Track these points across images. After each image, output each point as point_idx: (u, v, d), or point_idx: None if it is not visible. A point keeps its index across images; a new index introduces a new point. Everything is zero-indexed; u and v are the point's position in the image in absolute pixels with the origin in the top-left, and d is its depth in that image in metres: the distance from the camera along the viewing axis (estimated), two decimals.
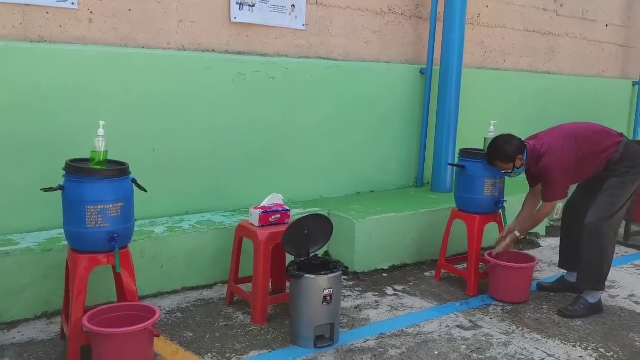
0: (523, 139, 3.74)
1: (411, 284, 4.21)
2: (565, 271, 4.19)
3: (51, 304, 3.42)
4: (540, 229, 5.57)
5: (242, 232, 3.60)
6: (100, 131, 2.91)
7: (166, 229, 3.85)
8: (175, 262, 3.82)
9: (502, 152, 3.70)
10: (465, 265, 4.41)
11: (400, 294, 4.00)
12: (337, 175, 5.01)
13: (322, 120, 4.82)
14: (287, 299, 3.58)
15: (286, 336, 3.28)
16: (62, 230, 3.60)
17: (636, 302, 4.01)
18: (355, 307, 3.73)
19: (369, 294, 3.97)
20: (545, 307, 3.86)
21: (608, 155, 3.63)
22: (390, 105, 5.24)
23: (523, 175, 3.90)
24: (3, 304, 3.27)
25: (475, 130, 5.49)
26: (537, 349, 3.24)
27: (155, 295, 3.75)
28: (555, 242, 5.41)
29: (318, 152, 4.84)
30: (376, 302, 3.85)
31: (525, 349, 3.23)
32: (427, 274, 4.43)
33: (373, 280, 4.23)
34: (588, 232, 3.66)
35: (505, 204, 4.03)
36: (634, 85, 7.56)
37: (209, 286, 3.97)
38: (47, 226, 3.69)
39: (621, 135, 3.73)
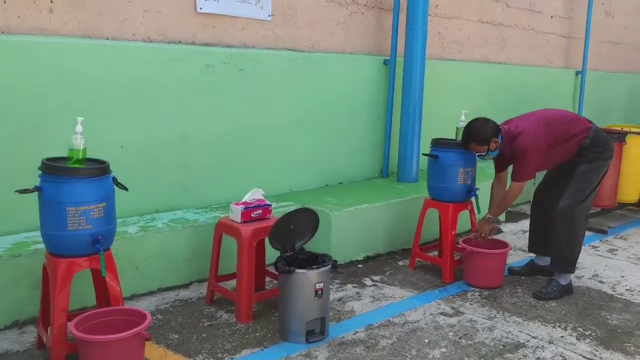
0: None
1: (387, 273, 4.24)
2: (534, 255, 4.33)
3: (22, 312, 3.23)
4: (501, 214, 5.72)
5: (223, 228, 3.50)
6: (79, 128, 2.76)
7: (139, 228, 3.70)
8: (151, 263, 3.68)
9: (477, 134, 3.76)
10: (436, 252, 4.49)
11: (379, 284, 4.02)
12: (305, 167, 4.97)
13: (290, 112, 4.76)
14: (272, 296, 3.54)
15: (275, 333, 3.23)
16: (28, 234, 3.47)
17: (601, 282, 4.20)
18: (339, 300, 3.71)
19: (349, 286, 3.97)
20: (520, 290, 3.98)
21: (578, 140, 3.77)
22: (355, 97, 5.24)
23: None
24: None
25: (436, 120, 5.62)
26: (520, 331, 3.33)
27: (130, 298, 3.60)
28: (516, 227, 5.63)
29: (286, 145, 4.78)
30: (357, 293, 3.85)
31: (510, 332, 3.32)
32: (400, 263, 4.48)
33: (350, 272, 4.23)
34: (560, 217, 3.79)
35: (477, 192, 4.11)
36: (576, 74, 7.89)
37: (185, 286, 3.85)
38: (12, 230, 3.47)
39: (590, 122, 3.88)
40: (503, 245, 4.08)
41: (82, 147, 2.77)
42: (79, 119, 2.76)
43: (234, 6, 4.35)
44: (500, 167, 4.04)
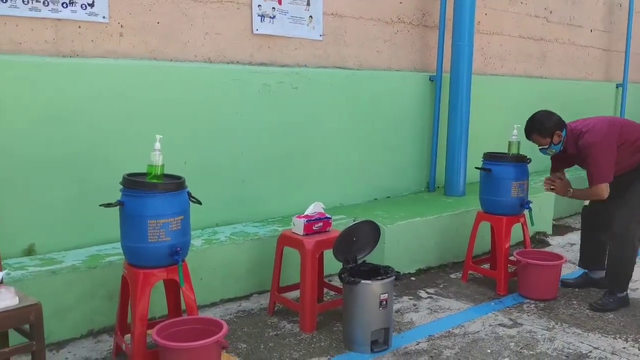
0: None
1: (441, 286, 4.30)
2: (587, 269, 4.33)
3: (96, 322, 3.38)
4: (547, 227, 5.74)
5: (285, 241, 3.62)
6: (157, 145, 2.90)
7: (204, 241, 3.84)
8: (214, 274, 3.81)
9: (540, 125, 3.78)
10: (487, 265, 4.54)
11: (434, 296, 4.08)
12: (354, 182, 5.07)
13: (340, 129, 4.89)
14: (333, 307, 3.64)
15: (339, 342, 3.32)
16: (100, 247, 3.62)
17: None
18: (397, 311, 3.78)
19: (405, 298, 4.04)
20: (575, 302, 4.00)
21: None
22: (401, 112, 5.35)
23: None
24: (50, 324, 3.17)
25: (481, 133, 5.69)
26: (581, 342, 3.36)
27: None
28: (563, 240, 5.64)
29: (337, 160, 4.90)
30: (414, 305, 3.92)
31: (571, 343, 3.35)
32: (452, 275, 4.53)
33: (404, 285, 4.30)
34: (616, 241, 3.79)
35: (531, 205, 4.16)
36: (617, 87, 7.89)
37: (246, 297, 3.97)
38: (84, 243, 3.64)
39: None
40: (557, 257, 4.11)
41: (160, 164, 2.91)
42: (158, 136, 2.90)
43: (288, 27, 4.51)
44: (557, 166, 4.07)
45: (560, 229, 5.95)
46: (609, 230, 3.86)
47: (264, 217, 4.45)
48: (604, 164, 3.67)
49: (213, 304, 3.83)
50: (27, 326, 2.55)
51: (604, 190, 3.71)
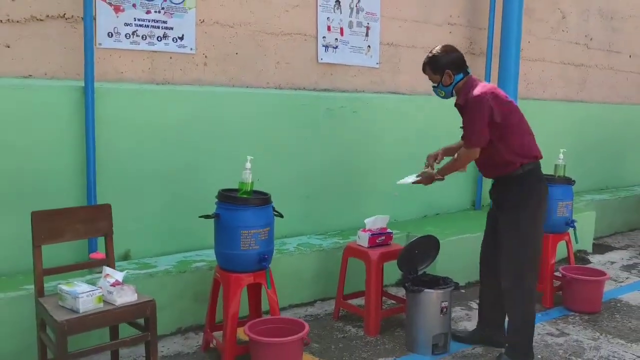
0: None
1: None
2: (487, 329, 3.67)
3: (183, 320, 3.78)
4: (588, 246, 6.00)
5: (351, 252, 3.99)
6: (248, 164, 3.32)
7: (275, 250, 4.21)
8: (284, 281, 4.18)
9: (435, 58, 3.30)
10: None
11: None
12: (406, 199, 5.42)
13: (395, 149, 5.25)
14: (393, 313, 3.99)
15: (401, 345, 3.66)
16: (186, 254, 4.04)
17: None
18: (451, 320, 4.11)
19: (457, 308, 4.36)
20: (618, 316, 4.27)
21: (516, 159, 3.29)
22: (450, 134, 5.66)
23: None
24: None
25: None
26: (625, 352, 3.64)
27: (266, 312, 4.10)
28: (603, 258, 5.88)
29: (391, 178, 5.24)
30: (467, 314, 4.24)
31: (616, 352, 3.64)
32: None
33: (455, 296, 4.59)
34: (508, 300, 3.37)
35: (575, 224, 4.45)
36: None
37: (310, 303, 4.34)
38: (170, 250, 4.06)
39: (537, 158, 3.44)
40: (601, 273, 4.39)
41: (250, 181, 3.33)
42: (249, 157, 3.32)
43: (349, 56, 4.93)
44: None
45: (600, 248, 6.19)
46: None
47: (325, 230, 4.84)
48: (477, 124, 3.18)
49: (282, 309, 4.19)
50: (140, 320, 2.97)
51: (469, 156, 3.31)
